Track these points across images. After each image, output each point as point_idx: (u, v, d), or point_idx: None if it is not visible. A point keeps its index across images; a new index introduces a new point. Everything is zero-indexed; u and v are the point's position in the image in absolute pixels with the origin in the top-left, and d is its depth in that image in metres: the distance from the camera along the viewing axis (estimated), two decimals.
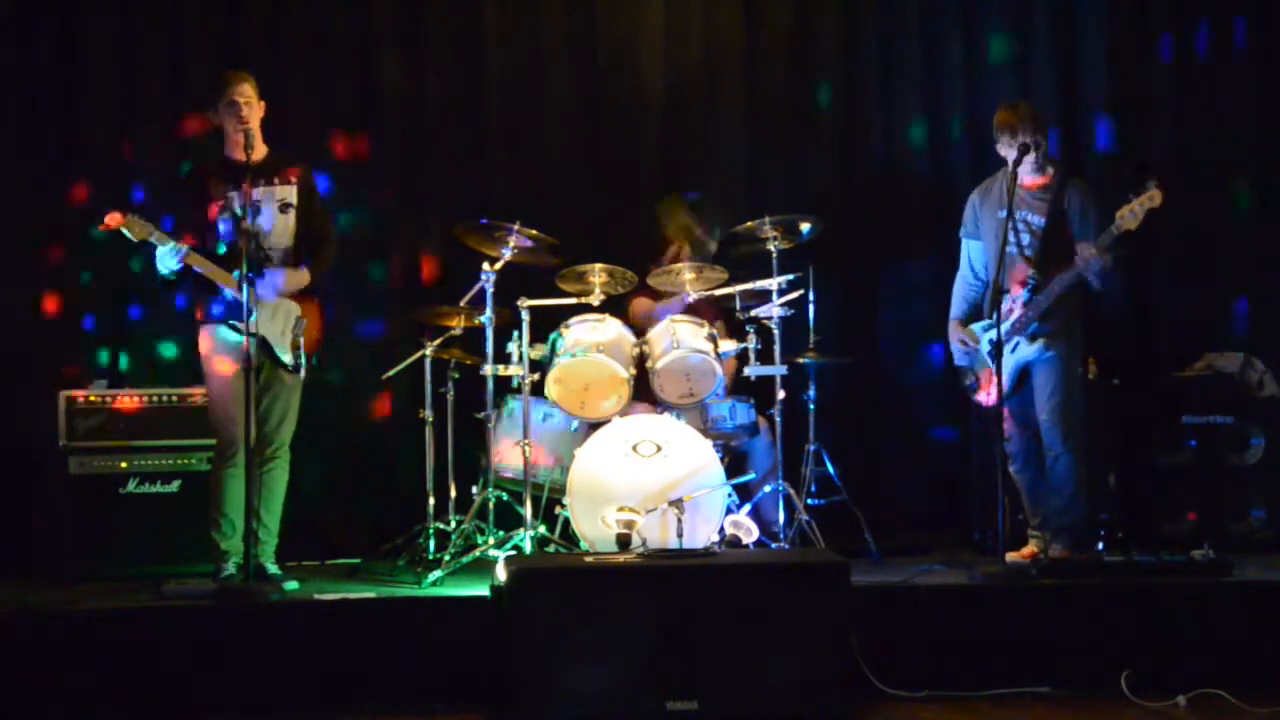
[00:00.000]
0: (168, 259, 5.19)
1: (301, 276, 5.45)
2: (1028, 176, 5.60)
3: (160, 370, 6.40)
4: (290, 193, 5.45)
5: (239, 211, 5.21)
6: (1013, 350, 5.59)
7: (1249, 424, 6.30)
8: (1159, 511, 6.25)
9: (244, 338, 5.07)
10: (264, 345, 5.29)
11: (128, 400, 5.98)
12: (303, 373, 5.47)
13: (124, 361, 6.49)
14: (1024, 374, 5.64)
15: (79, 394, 5.96)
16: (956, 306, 5.88)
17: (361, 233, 6.73)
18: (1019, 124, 5.50)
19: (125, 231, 5.17)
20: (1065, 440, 5.54)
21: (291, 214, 5.45)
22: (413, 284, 6.73)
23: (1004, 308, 5.57)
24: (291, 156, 5.56)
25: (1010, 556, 5.58)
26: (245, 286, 5.04)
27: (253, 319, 5.06)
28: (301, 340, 5.43)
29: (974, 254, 5.79)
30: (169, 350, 6.45)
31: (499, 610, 4.81)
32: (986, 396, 5.67)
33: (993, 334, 5.53)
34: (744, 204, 6.58)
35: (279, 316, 5.39)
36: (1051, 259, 5.50)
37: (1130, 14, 7.04)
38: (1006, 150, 5.55)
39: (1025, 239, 5.59)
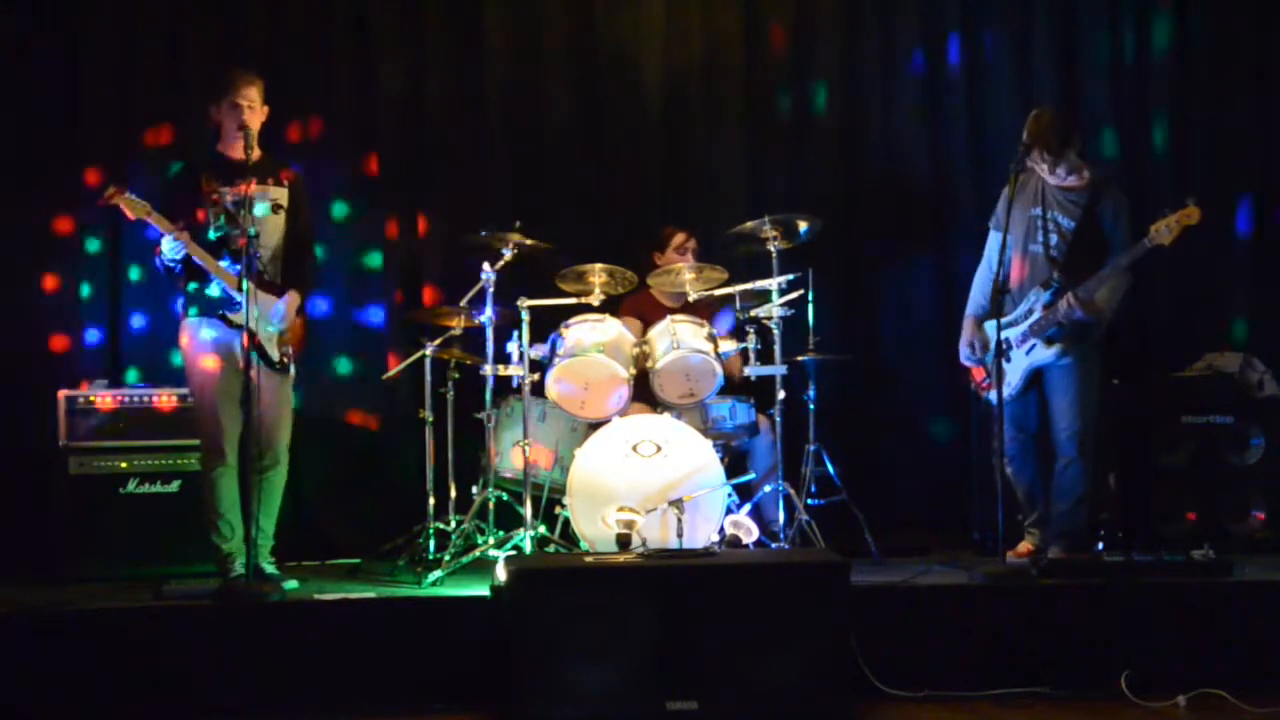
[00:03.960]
0: (173, 247, 5.19)
1: (295, 300, 5.46)
2: (1063, 179, 5.57)
3: (161, 370, 6.40)
4: (282, 194, 5.46)
5: (231, 209, 5.22)
6: (1028, 352, 5.57)
7: (1249, 424, 6.30)
8: (1159, 511, 6.25)
9: (229, 333, 5.09)
10: (253, 341, 5.27)
11: (128, 400, 5.98)
12: (291, 371, 5.47)
13: (124, 362, 6.49)
14: (1036, 376, 5.62)
15: (79, 394, 5.96)
16: (975, 302, 5.79)
17: (362, 233, 6.73)
18: (1040, 131, 5.46)
19: (123, 207, 5.15)
20: (1080, 448, 5.52)
21: (282, 215, 5.46)
22: (413, 284, 6.73)
23: (1023, 308, 5.56)
24: (284, 160, 5.58)
25: (1010, 556, 5.59)
26: (245, 284, 5.03)
27: (242, 313, 5.06)
28: (287, 339, 5.43)
29: (997, 246, 5.68)
30: (169, 350, 6.43)
31: (499, 610, 4.81)
32: (994, 392, 5.65)
33: (1007, 332, 5.55)
34: (744, 204, 6.59)
35: (269, 315, 5.39)
36: (1079, 262, 5.47)
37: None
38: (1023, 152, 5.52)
39: (1054, 239, 5.56)
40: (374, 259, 6.75)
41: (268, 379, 5.41)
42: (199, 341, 5.33)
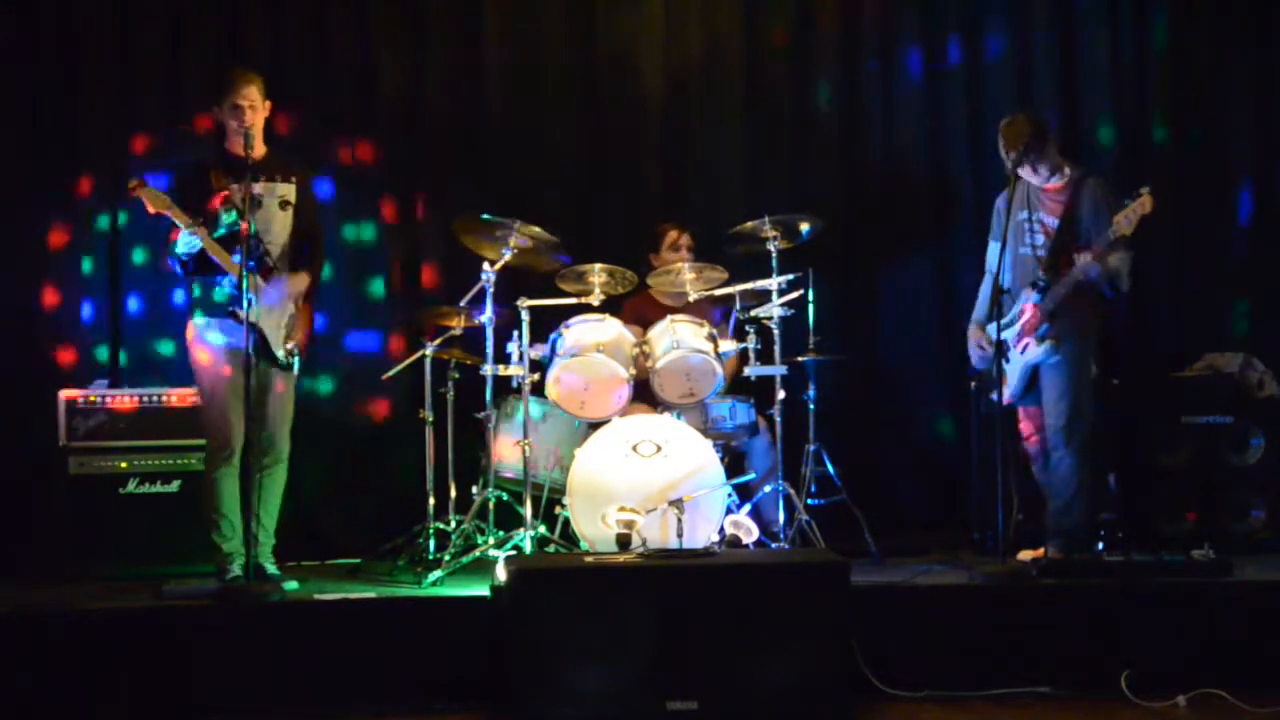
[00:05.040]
0: (189, 243, 5.19)
1: (302, 279, 5.48)
2: (1045, 181, 5.60)
3: (161, 370, 6.40)
4: (290, 191, 5.47)
5: (240, 206, 5.22)
6: (1023, 351, 5.59)
7: (1249, 424, 6.30)
8: (1159, 511, 6.25)
9: (238, 332, 5.08)
10: (261, 340, 5.28)
11: (127, 400, 5.98)
12: (296, 369, 5.47)
13: (124, 362, 6.48)
14: (1035, 375, 5.64)
15: (79, 394, 5.96)
16: (979, 309, 5.84)
17: (361, 233, 6.73)
18: (1016, 138, 5.50)
19: (145, 200, 5.14)
20: (1069, 443, 5.53)
21: (290, 211, 5.47)
22: (413, 284, 6.73)
23: (1016, 309, 5.58)
24: (292, 157, 5.58)
25: (1024, 555, 5.58)
26: (245, 280, 5.03)
27: (252, 311, 5.07)
28: (294, 335, 5.44)
29: (995, 255, 5.74)
30: (169, 350, 6.44)
31: (499, 610, 4.81)
32: (1000, 396, 5.68)
33: (1005, 334, 5.56)
34: (744, 204, 6.59)
35: (275, 312, 5.39)
36: (1064, 259, 5.50)
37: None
38: (1009, 162, 5.55)
39: (1040, 240, 5.59)
40: (373, 259, 6.75)
41: (273, 376, 5.41)
42: (208, 343, 5.33)
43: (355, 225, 6.73)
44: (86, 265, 6.51)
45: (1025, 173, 5.58)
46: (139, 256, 6.48)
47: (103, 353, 6.47)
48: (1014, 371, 5.64)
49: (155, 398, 6.01)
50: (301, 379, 5.60)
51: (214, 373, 5.32)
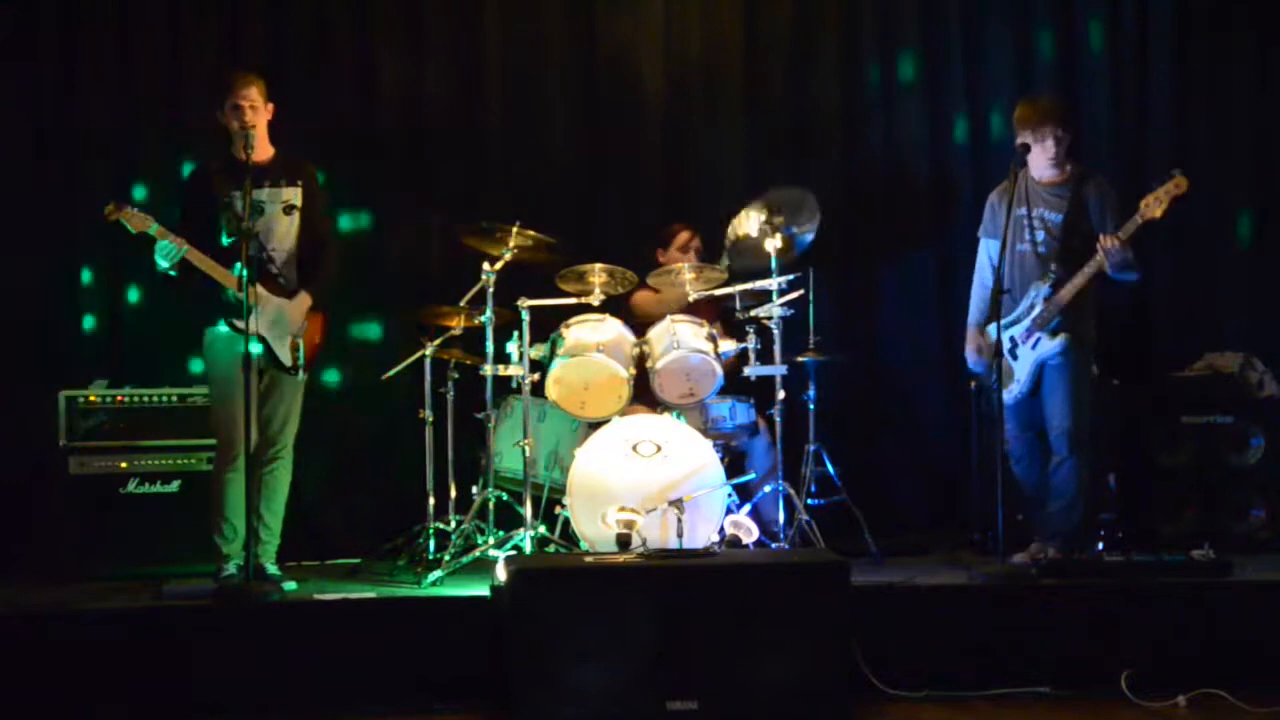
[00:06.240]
0: (165, 254, 5.17)
1: (306, 301, 5.43)
2: (1046, 173, 5.58)
3: (162, 370, 6.39)
4: (295, 194, 5.44)
5: (240, 211, 5.20)
6: (1034, 347, 5.57)
7: (1249, 424, 6.30)
8: (1159, 511, 6.25)
9: (245, 338, 5.07)
10: (264, 346, 5.28)
11: (128, 400, 5.98)
12: (302, 375, 5.46)
13: (124, 361, 6.48)
14: (1041, 372, 5.62)
15: (79, 394, 5.96)
16: (975, 311, 5.78)
17: (361, 233, 6.74)
18: (1039, 114, 5.50)
19: (124, 223, 5.14)
20: (1072, 447, 5.51)
21: (296, 215, 5.43)
22: (413, 284, 6.73)
23: (1024, 305, 5.56)
24: (299, 158, 5.56)
25: (1018, 557, 5.59)
26: (245, 286, 5.02)
27: (252, 318, 5.05)
28: (301, 342, 5.42)
29: (993, 253, 5.67)
30: (170, 350, 6.43)
31: (499, 610, 4.81)
32: (1008, 393, 5.64)
33: (1010, 331, 5.54)
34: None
35: (279, 325, 5.38)
36: (1072, 255, 5.48)
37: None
38: (1023, 138, 5.52)
39: (1040, 235, 5.57)
40: (374, 259, 6.75)
41: (279, 381, 5.41)
42: (220, 345, 5.32)
43: (355, 225, 6.73)
44: (87, 267, 6.52)
45: (1037, 151, 5.52)
46: (140, 256, 6.46)
47: (103, 352, 6.48)
48: (1023, 367, 5.58)
49: (155, 397, 6.01)
50: (313, 382, 5.59)
51: (224, 377, 5.31)
